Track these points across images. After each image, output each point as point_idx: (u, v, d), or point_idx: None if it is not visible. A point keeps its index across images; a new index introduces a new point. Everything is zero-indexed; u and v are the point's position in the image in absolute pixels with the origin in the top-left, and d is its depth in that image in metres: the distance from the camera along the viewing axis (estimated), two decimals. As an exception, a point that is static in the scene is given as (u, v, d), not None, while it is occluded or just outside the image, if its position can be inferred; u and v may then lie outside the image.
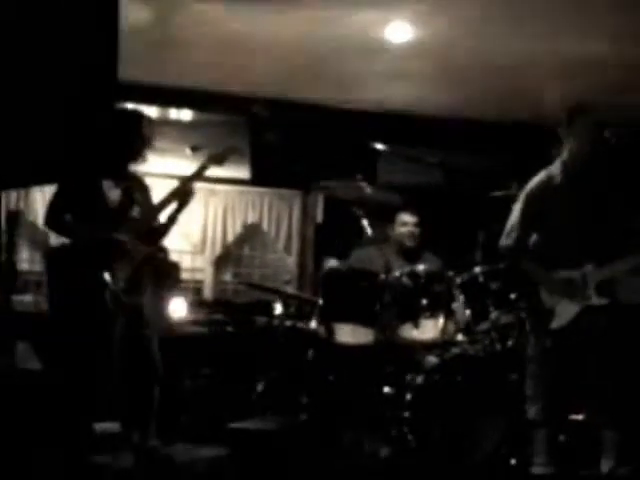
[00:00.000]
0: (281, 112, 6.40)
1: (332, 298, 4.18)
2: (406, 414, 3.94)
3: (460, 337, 4.16)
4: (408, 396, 3.98)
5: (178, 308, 5.85)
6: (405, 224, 5.09)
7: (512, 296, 4.14)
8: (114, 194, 3.94)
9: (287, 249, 7.78)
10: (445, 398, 3.96)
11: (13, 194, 5.21)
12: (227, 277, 7.99)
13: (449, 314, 4.10)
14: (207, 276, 7.84)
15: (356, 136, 6.15)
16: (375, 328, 4.03)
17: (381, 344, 4.04)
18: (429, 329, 4.07)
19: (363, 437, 4.03)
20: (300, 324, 4.69)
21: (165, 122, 6.60)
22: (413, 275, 4.12)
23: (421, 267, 4.23)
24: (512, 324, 4.14)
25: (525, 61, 5.51)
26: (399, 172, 6.10)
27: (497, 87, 6.15)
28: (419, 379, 4.03)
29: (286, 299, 4.94)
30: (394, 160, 5.76)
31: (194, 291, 7.60)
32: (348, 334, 4.11)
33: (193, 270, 7.75)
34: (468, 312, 4.14)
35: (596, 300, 3.72)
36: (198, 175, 4.09)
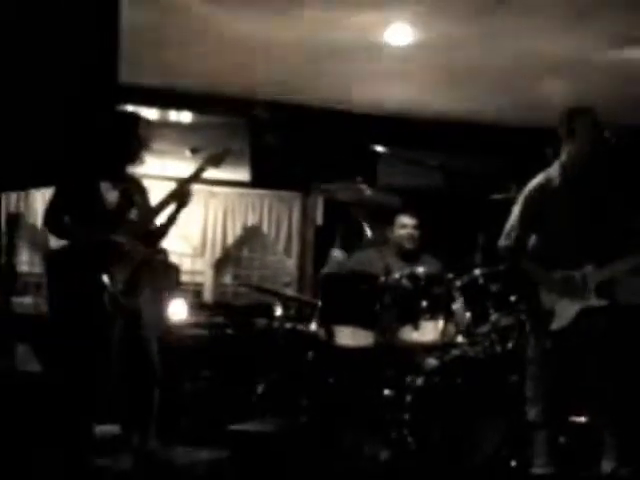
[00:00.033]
0: (281, 114, 6.41)
1: (332, 300, 4.18)
2: (406, 416, 3.94)
3: (460, 339, 4.17)
4: (408, 398, 3.97)
5: (178, 310, 5.84)
6: (405, 226, 5.07)
7: (512, 298, 4.16)
8: (112, 196, 3.94)
9: (287, 251, 7.78)
10: (445, 400, 3.95)
11: (13, 196, 5.21)
12: (227, 279, 8.00)
13: (449, 316, 4.09)
14: (207, 278, 7.84)
15: (356, 138, 6.17)
16: (375, 330, 4.03)
17: (381, 346, 4.04)
18: (429, 331, 4.07)
19: (363, 439, 4.02)
20: (300, 326, 4.69)
21: (165, 124, 6.60)
22: (413, 277, 4.12)
23: (421, 269, 4.22)
24: (512, 326, 4.15)
25: (525, 63, 5.52)
26: (399, 174, 6.09)
27: (497, 90, 6.15)
28: (419, 381, 4.02)
29: (286, 301, 4.94)
30: (394, 162, 5.76)
31: (194, 293, 7.61)
32: (348, 336, 4.10)
33: (193, 273, 7.76)
34: (468, 314, 4.15)
35: (595, 301, 3.73)
36: (196, 177, 4.08)
